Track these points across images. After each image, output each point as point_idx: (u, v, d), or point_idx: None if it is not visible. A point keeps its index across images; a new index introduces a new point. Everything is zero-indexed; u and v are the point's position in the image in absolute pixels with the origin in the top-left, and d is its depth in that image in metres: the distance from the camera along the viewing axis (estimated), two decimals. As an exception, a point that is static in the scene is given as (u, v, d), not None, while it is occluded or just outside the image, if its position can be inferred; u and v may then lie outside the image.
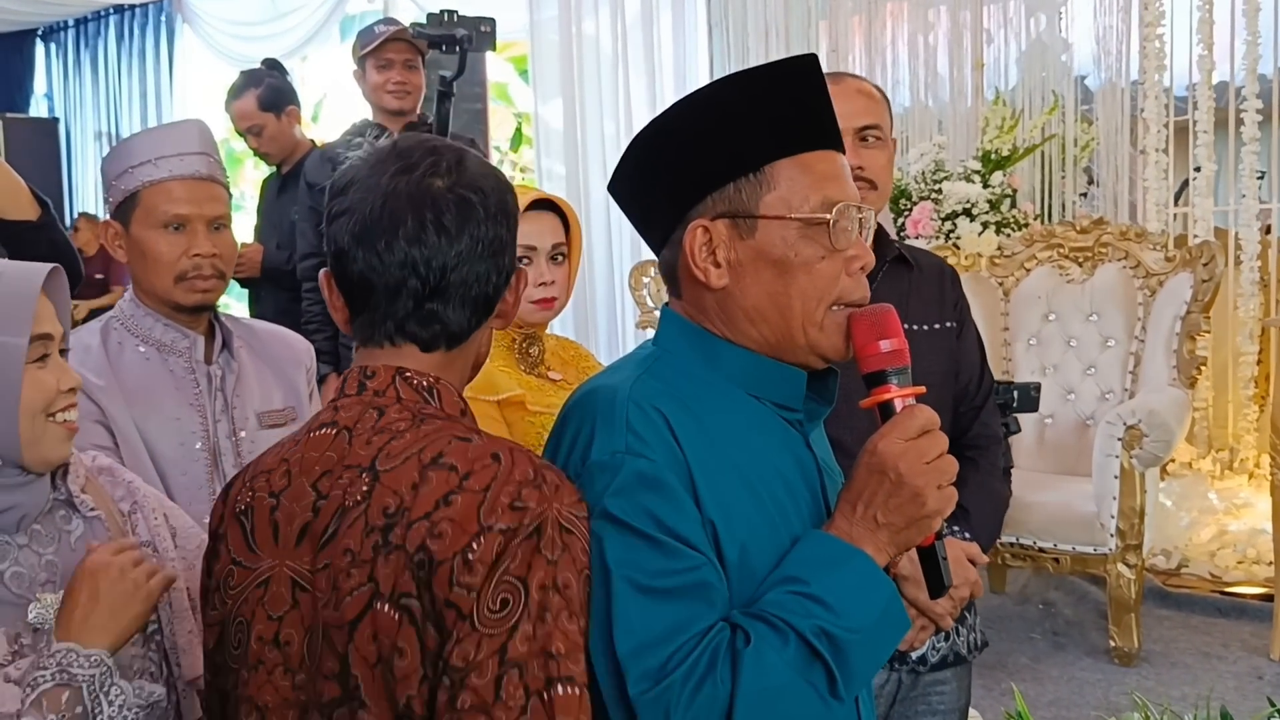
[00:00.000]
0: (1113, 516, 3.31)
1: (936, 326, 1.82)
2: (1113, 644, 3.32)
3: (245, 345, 1.76)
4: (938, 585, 1.11)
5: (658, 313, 4.41)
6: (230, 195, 1.76)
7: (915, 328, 1.79)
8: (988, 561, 1.78)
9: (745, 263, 1.09)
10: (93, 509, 1.24)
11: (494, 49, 3.22)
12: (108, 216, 1.72)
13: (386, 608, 0.92)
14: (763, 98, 1.09)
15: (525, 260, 1.82)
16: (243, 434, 1.68)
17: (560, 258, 1.86)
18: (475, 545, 0.91)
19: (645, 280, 4.68)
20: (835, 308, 1.09)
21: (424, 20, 3.04)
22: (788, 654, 0.98)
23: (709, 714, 0.96)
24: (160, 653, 1.24)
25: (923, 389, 1.10)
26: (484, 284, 1.06)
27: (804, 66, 1.11)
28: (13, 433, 1.14)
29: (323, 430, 1.04)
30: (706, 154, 1.10)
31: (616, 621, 0.98)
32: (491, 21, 3.06)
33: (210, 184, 1.68)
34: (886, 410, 1.08)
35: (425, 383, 1.06)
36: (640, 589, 0.98)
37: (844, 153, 1.13)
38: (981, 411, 1.85)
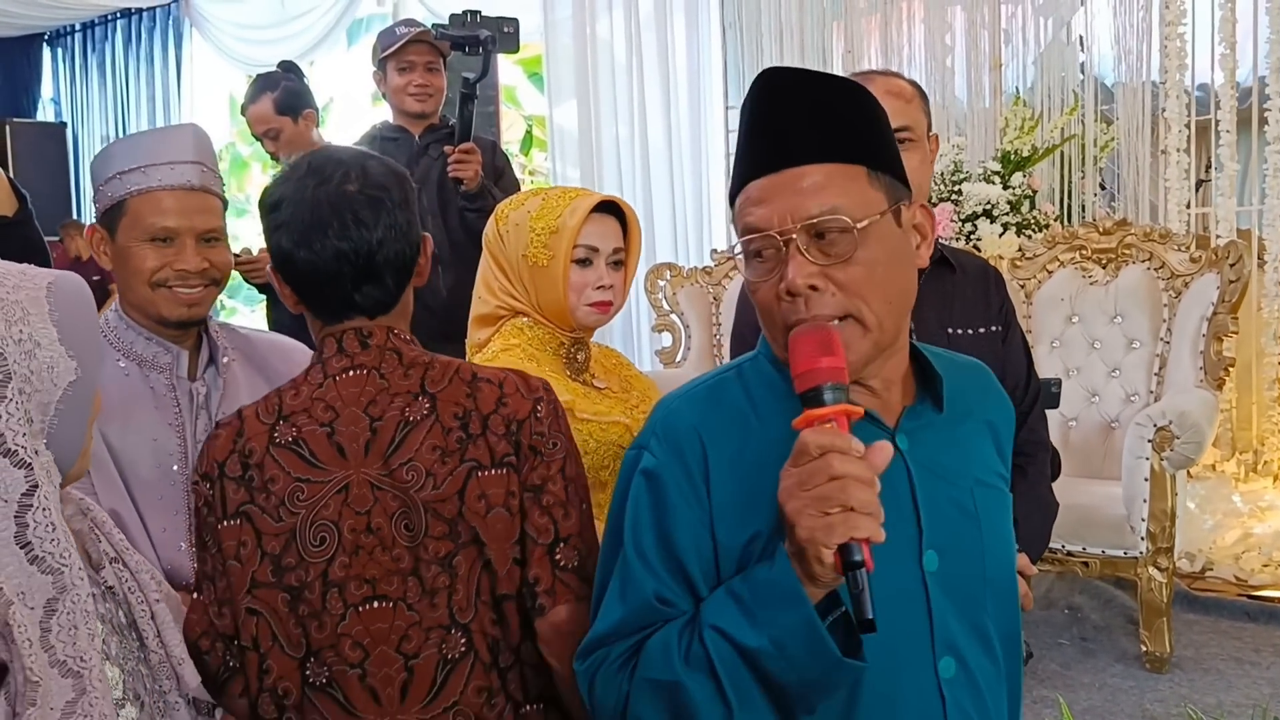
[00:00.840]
0: (1143, 519, 3.27)
1: (981, 331, 1.78)
2: (1144, 649, 3.28)
3: (240, 359, 1.67)
4: (860, 620, 0.96)
5: (673, 316, 4.37)
6: (226, 204, 1.67)
7: (959, 332, 1.75)
8: (1036, 573, 1.74)
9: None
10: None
11: (517, 50, 3.18)
12: (94, 220, 1.64)
13: (491, 471, 1.28)
14: (742, 129, 1.11)
15: (587, 262, 1.79)
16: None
17: (619, 264, 1.83)
18: (539, 408, 1.32)
19: (660, 283, 4.64)
20: (789, 333, 1.05)
21: (438, 23, 3.00)
22: (678, 645, 1.03)
23: (609, 698, 1.09)
24: (162, 666, 1.20)
25: (859, 410, 1.00)
26: (402, 258, 1.34)
27: (755, 88, 1.10)
28: (77, 446, 1.10)
29: (349, 374, 1.32)
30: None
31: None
32: (515, 22, 3.03)
33: (203, 195, 1.60)
34: None
35: (406, 336, 1.37)
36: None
37: (796, 164, 1.05)
38: (1029, 418, 1.81)
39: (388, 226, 1.32)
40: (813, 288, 1.04)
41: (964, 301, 1.77)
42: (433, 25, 3.10)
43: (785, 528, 0.98)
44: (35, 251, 1.79)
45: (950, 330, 1.73)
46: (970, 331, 1.76)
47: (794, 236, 1.04)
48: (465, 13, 2.95)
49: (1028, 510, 1.75)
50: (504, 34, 2.96)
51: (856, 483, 0.95)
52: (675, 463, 1.09)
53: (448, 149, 2.91)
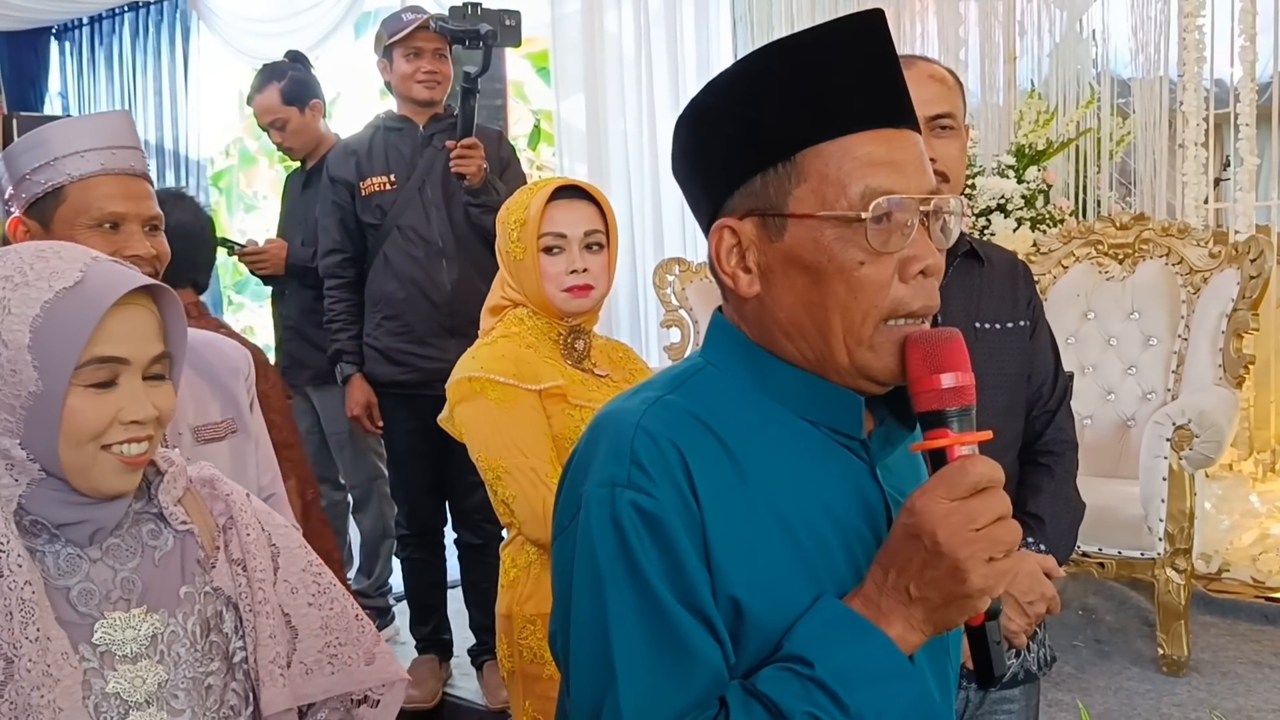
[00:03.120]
0: (1161, 520, 3.22)
1: (1009, 325, 1.73)
2: (1161, 652, 3.23)
3: None
4: (986, 671, 0.92)
5: (682, 312, 4.34)
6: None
7: (986, 327, 1.71)
8: (1064, 575, 1.70)
9: (776, 268, 0.93)
10: (185, 523, 1.15)
11: (519, 44, 3.12)
12: (15, 213, 1.55)
13: None
14: (803, 68, 0.91)
15: (555, 249, 1.80)
16: (177, 451, 1.56)
17: (597, 246, 1.83)
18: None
19: (670, 278, 4.60)
20: (891, 322, 0.92)
21: (445, 13, 2.94)
22: None
23: None
24: (247, 682, 1.15)
25: (987, 435, 0.91)
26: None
27: (859, 25, 0.92)
28: (52, 457, 1.05)
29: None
30: (735, 141, 0.93)
31: (620, 674, 0.88)
32: (516, 14, 2.97)
33: (143, 181, 1.56)
34: (938, 459, 0.91)
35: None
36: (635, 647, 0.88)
37: (916, 129, 0.94)
38: (1056, 415, 1.76)
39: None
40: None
41: (991, 295, 1.73)
42: (434, 17, 3.05)
43: (944, 575, 0.86)
44: None
45: (978, 324, 1.69)
46: (998, 326, 1.71)
47: (932, 209, 0.91)
48: (466, 4, 2.89)
49: (1054, 511, 1.70)
50: (505, 27, 2.90)
51: (1013, 521, 0.87)
52: (673, 497, 0.89)
53: (449, 144, 2.87)
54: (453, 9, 2.91)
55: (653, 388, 0.97)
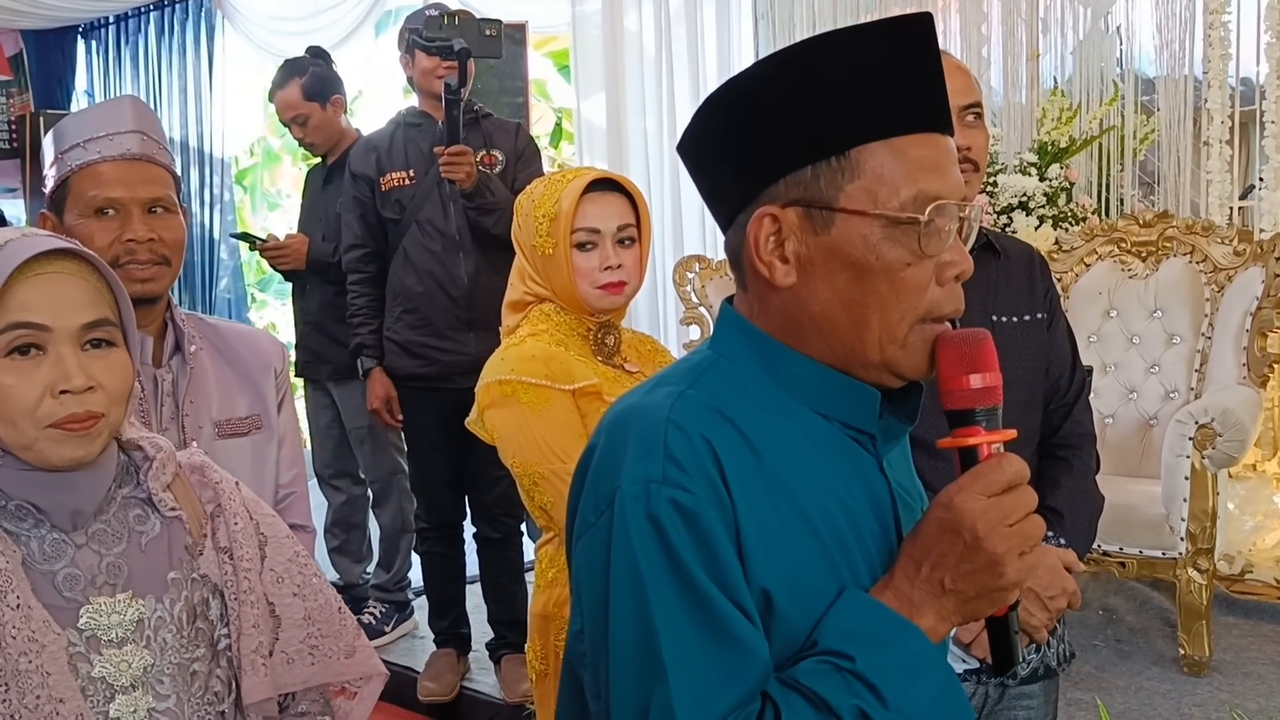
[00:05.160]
0: (1183, 519, 3.19)
1: (1026, 318, 1.72)
2: (1182, 652, 3.20)
3: (208, 347, 1.64)
4: (1006, 660, 0.96)
5: (702, 309, 4.33)
6: (176, 178, 1.62)
7: (1003, 320, 1.70)
8: (1084, 569, 1.69)
9: (817, 261, 0.93)
10: (173, 509, 1.15)
11: (500, 55, 3.07)
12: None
13: None
14: (857, 65, 0.91)
15: (588, 245, 1.75)
16: (194, 444, 1.52)
17: (630, 241, 1.78)
18: None
19: (690, 276, 4.60)
20: (922, 323, 0.94)
21: (449, 15, 2.89)
22: None
23: None
24: (230, 669, 1.16)
25: (1013, 433, 0.94)
26: None
27: (912, 28, 0.93)
28: None
29: None
30: (786, 129, 0.93)
31: (670, 669, 0.86)
32: (497, 24, 2.90)
33: (145, 164, 1.56)
34: (968, 457, 0.93)
35: None
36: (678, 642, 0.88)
37: (953, 135, 0.95)
38: (1074, 408, 1.75)
39: None
40: None
41: (1008, 288, 1.72)
42: (409, 28, 3.04)
43: (980, 568, 0.89)
44: None
45: (995, 317, 1.68)
46: (1015, 319, 1.70)
47: (968, 215, 0.94)
48: (442, 15, 2.83)
49: (1074, 505, 1.69)
50: (485, 38, 2.82)
51: (1038, 516, 0.91)
52: (708, 491, 0.89)
53: (437, 150, 2.87)
54: (428, 19, 2.84)
55: (670, 381, 0.97)
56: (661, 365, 1.88)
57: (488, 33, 2.77)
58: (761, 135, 0.94)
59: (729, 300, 1.03)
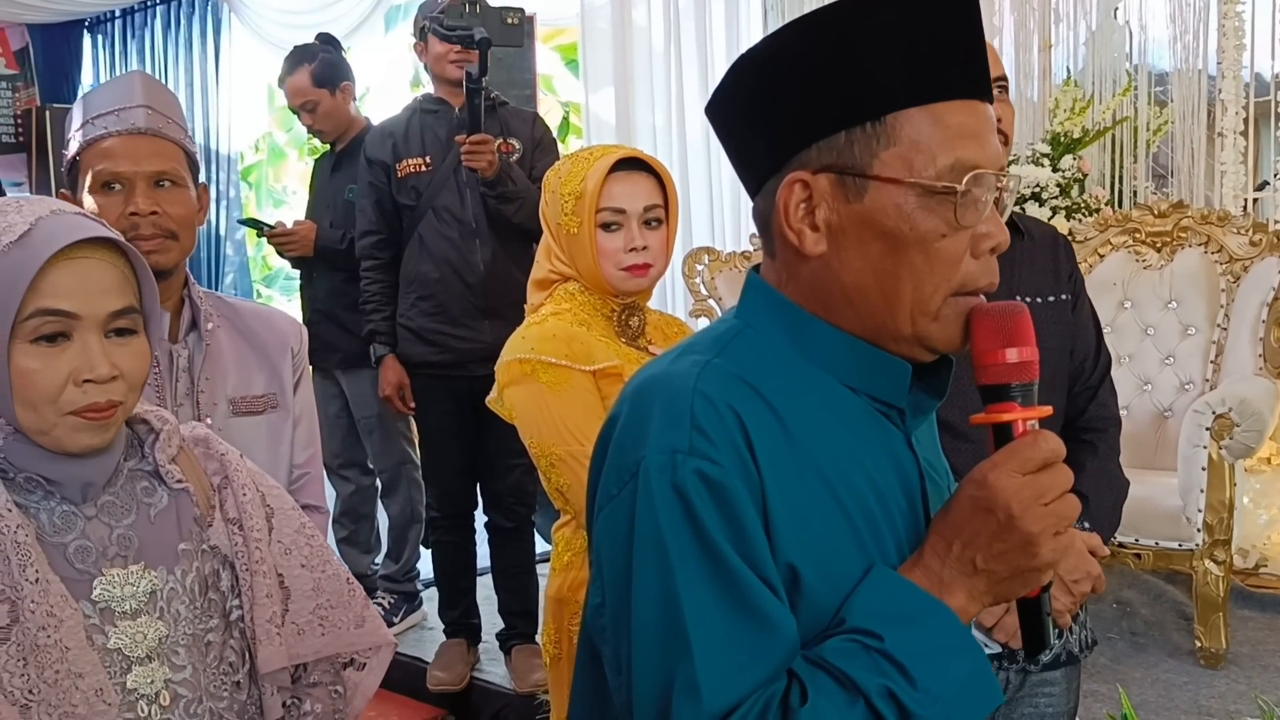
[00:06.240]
0: (1199, 510, 3.17)
1: (1050, 299, 1.70)
2: (1199, 645, 3.18)
3: (226, 325, 1.63)
4: (1037, 643, 0.94)
5: (711, 301, 4.30)
6: (189, 153, 1.61)
7: (1027, 300, 1.68)
8: (1109, 554, 1.66)
9: (849, 230, 0.90)
10: (180, 481, 1.14)
11: (521, 44, 3.06)
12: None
13: None
14: (895, 27, 0.88)
15: (614, 226, 1.72)
16: (209, 421, 1.52)
17: (656, 222, 1.76)
18: None
19: (699, 268, 4.58)
20: (955, 296, 0.91)
21: (469, 2, 2.87)
22: (851, 716, 0.84)
23: None
24: (243, 640, 1.15)
25: (1049, 410, 0.91)
26: None
27: None
28: (13, 416, 1.04)
29: None
30: (818, 93, 0.89)
31: (695, 644, 0.84)
32: (519, 12, 2.88)
33: (153, 138, 1.56)
34: (1002, 433, 0.90)
35: None
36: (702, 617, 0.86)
37: (992, 102, 0.92)
38: (1099, 391, 1.73)
39: None
40: None
41: (1033, 268, 1.70)
42: (424, 14, 3.01)
43: (1015, 548, 0.87)
44: None
45: (1018, 298, 1.66)
46: (1039, 299, 1.68)
47: (1005, 186, 0.91)
48: (465, 2, 2.81)
49: (1099, 489, 1.67)
50: (506, 26, 2.80)
51: (1073, 495, 0.89)
52: (735, 463, 0.87)
53: (459, 139, 2.85)
54: (450, 6, 2.82)
55: (696, 350, 0.94)
56: None
57: (509, 21, 2.75)
58: (794, 98, 0.91)
59: (755, 269, 1.00)
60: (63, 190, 1.61)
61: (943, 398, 0.98)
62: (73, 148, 1.58)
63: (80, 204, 1.55)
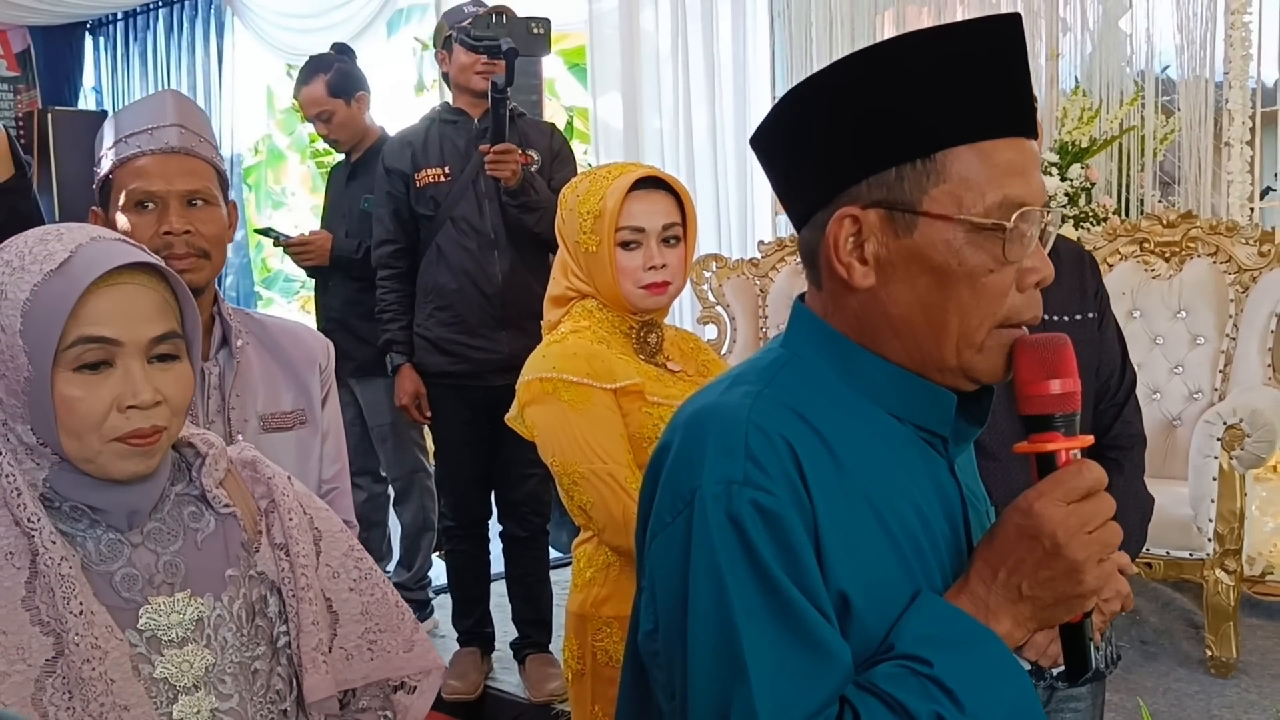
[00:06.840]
0: (1210, 520, 3.18)
1: (1077, 317, 1.72)
2: (1209, 654, 3.19)
3: (254, 342, 1.65)
4: (1080, 667, 0.96)
5: (719, 309, 4.32)
6: (220, 171, 1.62)
7: (1054, 319, 1.69)
8: (1137, 572, 1.68)
9: (898, 264, 0.93)
10: (227, 505, 1.14)
11: (548, 52, 3.07)
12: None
13: None
14: (952, 66, 0.90)
15: (633, 244, 1.73)
16: (240, 438, 1.53)
17: (674, 240, 1.77)
18: None
19: (707, 275, 4.59)
20: (1000, 328, 0.93)
21: (495, 13, 2.89)
22: None
23: None
24: (290, 667, 1.14)
25: (1091, 439, 0.95)
26: None
27: (1002, 29, 0.92)
28: (58, 444, 1.04)
29: None
30: (870, 129, 0.92)
31: (752, 671, 0.86)
32: (545, 22, 2.90)
33: (186, 157, 1.57)
34: (1046, 462, 0.93)
35: None
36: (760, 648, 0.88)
37: (1036, 139, 0.95)
38: (1124, 409, 1.75)
39: None
40: None
41: (1060, 287, 1.69)
42: (451, 24, 3.02)
43: (1060, 575, 0.89)
44: (23, 223, 1.77)
45: (1046, 317, 1.66)
46: (1066, 318, 1.70)
47: (1050, 221, 0.94)
48: (491, 12, 2.84)
49: (1125, 507, 1.65)
50: (532, 35, 2.82)
51: (1116, 523, 0.91)
52: (789, 493, 0.89)
53: (483, 148, 2.86)
54: (478, 18, 2.85)
55: (746, 381, 0.97)
56: (704, 363, 1.87)
57: (535, 30, 2.77)
58: (846, 135, 0.93)
59: (801, 297, 1.02)
60: (94, 208, 1.62)
61: (983, 425, 1.01)
62: (105, 166, 1.59)
63: (113, 222, 1.57)
